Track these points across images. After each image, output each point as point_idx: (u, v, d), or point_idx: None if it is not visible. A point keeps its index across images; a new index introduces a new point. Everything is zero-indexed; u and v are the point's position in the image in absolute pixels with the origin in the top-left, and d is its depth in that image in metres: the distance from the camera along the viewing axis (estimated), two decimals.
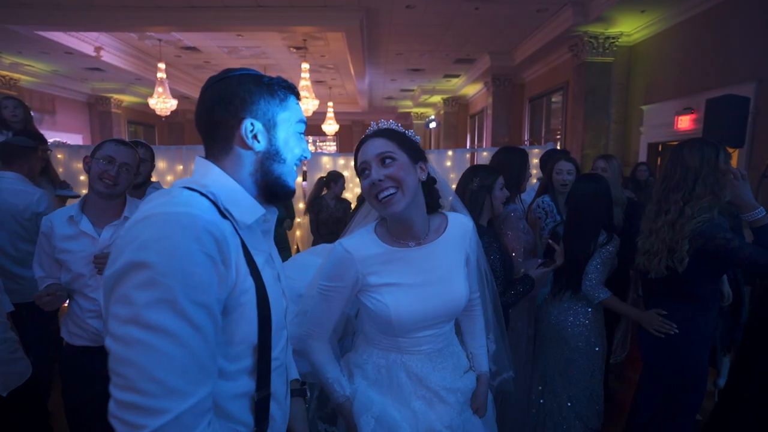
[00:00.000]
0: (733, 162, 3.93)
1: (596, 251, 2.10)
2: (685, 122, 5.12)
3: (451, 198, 1.42)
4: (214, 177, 0.84)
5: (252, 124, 0.84)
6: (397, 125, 1.22)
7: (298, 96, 0.93)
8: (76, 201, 1.77)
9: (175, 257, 0.66)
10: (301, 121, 0.92)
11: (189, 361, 0.66)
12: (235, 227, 0.81)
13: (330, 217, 4.21)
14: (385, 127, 1.21)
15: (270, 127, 0.87)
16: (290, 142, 0.90)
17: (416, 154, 1.18)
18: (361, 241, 1.23)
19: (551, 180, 2.76)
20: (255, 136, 0.85)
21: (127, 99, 11.72)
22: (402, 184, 1.12)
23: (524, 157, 2.42)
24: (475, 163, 5.87)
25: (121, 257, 0.67)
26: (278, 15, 6.10)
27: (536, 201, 2.83)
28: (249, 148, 0.85)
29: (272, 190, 0.89)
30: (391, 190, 1.12)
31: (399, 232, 1.22)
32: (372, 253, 1.20)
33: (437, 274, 1.21)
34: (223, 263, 0.73)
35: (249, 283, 0.80)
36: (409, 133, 1.21)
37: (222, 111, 0.84)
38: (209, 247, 0.70)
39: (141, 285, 0.64)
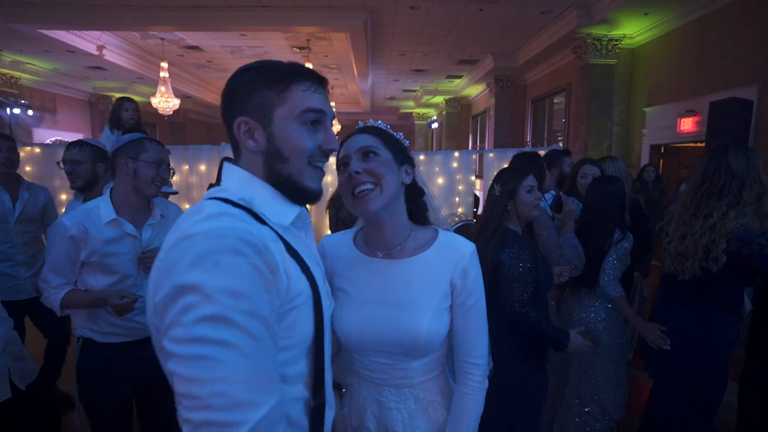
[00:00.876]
0: None
1: (612, 248, 2.17)
2: (687, 124, 5.14)
3: (435, 202, 1.29)
4: (242, 182, 0.81)
5: (246, 122, 0.79)
6: (386, 126, 1.12)
7: (313, 80, 0.83)
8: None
9: (220, 274, 0.65)
10: (308, 110, 0.81)
11: (253, 371, 0.65)
12: (276, 231, 0.78)
13: (349, 216, 4.25)
14: (372, 125, 1.11)
15: (266, 123, 0.79)
16: (290, 138, 0.80)
17: (403, 155, 1.08)
18: (338, 239, 1.19)
19: (575, 183, 2.79)
20: (252, 135, 0.80)
21: None
22: (381, 180, 1.01)
23: (540, 160, 2.55)
24: (481, 164, 5.88)
25: (167, 281, 0.67)
26: (282, 15, 6.11)
27: None
28: (249, 148, 0.80)
29: (288, 192, 0.82)
30: (369, 186, 1.01)
31: (371, 238, 1.12)
32: (341, 253, 1.15)
33: (397, 296, 1.07)
34: (270, 272, 0.71)
35: (303, 284, 0.78)
36: (398, 135, 1.12)
37: (225, 111, 0.81)
38: (253, 258, 0.69)
39: (192, 305, 0.64)
